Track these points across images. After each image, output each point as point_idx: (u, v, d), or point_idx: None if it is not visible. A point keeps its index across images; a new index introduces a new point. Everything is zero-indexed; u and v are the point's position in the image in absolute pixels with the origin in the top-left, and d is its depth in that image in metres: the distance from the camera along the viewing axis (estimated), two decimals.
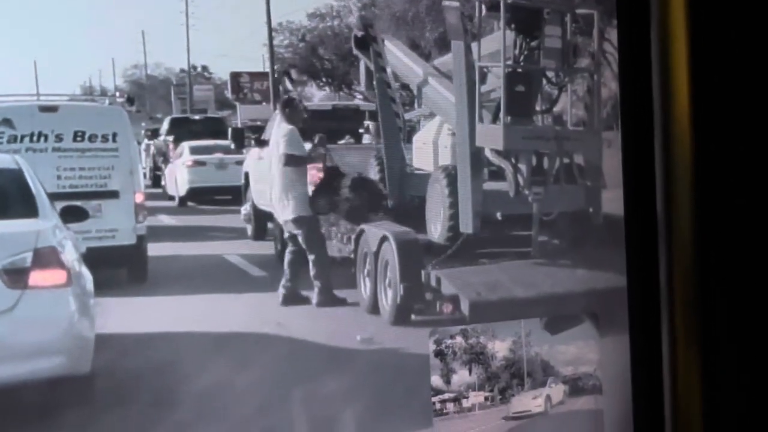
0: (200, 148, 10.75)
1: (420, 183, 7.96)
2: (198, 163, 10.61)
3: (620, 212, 3.59)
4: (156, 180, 11.26)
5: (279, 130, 8.07)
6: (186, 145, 10.78)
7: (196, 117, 11.75)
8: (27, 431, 5.38)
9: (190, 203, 10.61)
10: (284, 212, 7.93)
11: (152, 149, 11.50)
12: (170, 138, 11.20)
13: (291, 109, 8.20)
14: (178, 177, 10.71)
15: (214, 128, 11.27)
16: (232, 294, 7.73)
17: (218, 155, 10.69)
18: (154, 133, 11.60)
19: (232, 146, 10.46)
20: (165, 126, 11.50)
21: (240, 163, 10.41)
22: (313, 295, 7.69)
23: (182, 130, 11.15)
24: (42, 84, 8.46)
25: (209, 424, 5.51)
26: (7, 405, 5.47)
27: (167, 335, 6.83)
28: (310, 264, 7.73)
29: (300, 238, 7.81)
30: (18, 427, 5.41)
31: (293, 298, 7.71)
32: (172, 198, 10.82)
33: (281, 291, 7.72)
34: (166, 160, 11.18)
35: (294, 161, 7.92)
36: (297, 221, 7.87)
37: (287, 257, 7.86)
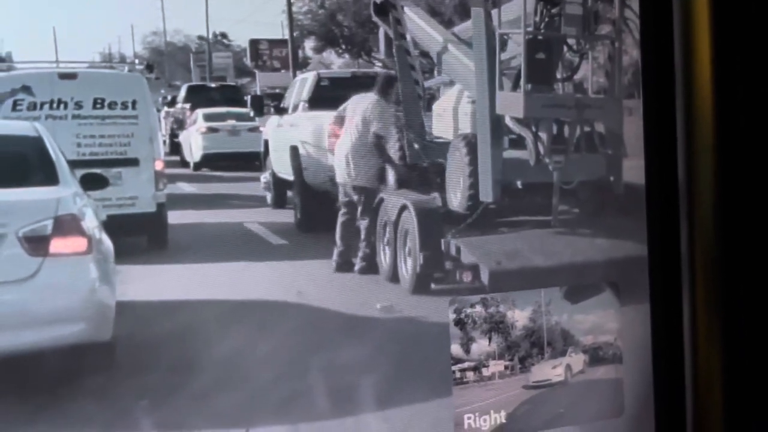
0: (213, 115, 10.83)
1: (440, 151, 7.94)
2: (211, 130, 10.70)
3: (641, 181, 3.57)
4: (174, 147, 11.27)
5: (374, 106, 8.05)
6: (200, 113, 10.86)
7: (213, 85, 11.73)
8: (49, 397, 5.42)
9: (204, 169, 10.67)
10: (351, 180, 7.97)
11: (170, 117, 11.50)
12: (187, 105, 11.22)
13: (389, 86, 8.21)
14: (193, 143, 10.80)
15: (231, 96, 11.29)
16: (252, 262, 7.74)
17: (231, 122, 10.77)
18: (172, 101, 11.59)
19: (252, 114, 10.50)
20: (182, 94, 11.51)
21: (252, 130, 10.48)
22: (356, 261, 7.79)
23: (199, 97, 11.18)
24: (61, 51, 8.43)
25: (229, 391, 5.54)
26: (28, 372, 5.51)
27: (187, 303, 6.85)
28: (362, 231, 7.83)
29: (358, 207, 7.89)
30: (40, 393, 5.45)
31: (348, 265, 7.82)
32: (187, 165, 10.88)
33: (335, 260, 7.81)
34: (182, 128, 11.22)
35: (381, 145, 7.99)
36: (362, 190, 7.93)
37: (340, 227, 7.93)
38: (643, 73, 3.54)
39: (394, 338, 6.35)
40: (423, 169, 8.04)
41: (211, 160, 10.67)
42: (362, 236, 7.85)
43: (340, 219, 7.97)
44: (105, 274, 5.93)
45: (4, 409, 5.26)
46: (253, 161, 10.36)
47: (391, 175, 8.10)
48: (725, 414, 3.32)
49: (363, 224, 7.88)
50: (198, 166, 10.71)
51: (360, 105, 8.11)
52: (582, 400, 3.98)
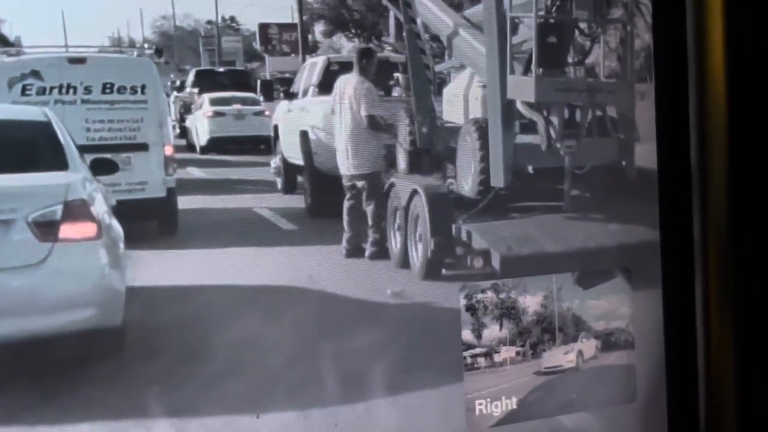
0: (219, 99, 10.91)
1: (450, 136, 7.92)
2: (217, 114, 10.77)
3: (654, 165, 3.55)
4: (182, 132, 11.32)
5: (356, 85, 8.00)
6: (206, 97, 10.93)
7: (221, 69, 11.79)
8: (59, 383, 5.42)
9: (211, 153, 10.73)
10: (353, 167, 7.94)
11: (179, 101, 11.55)
12: (195, 90, 11.26)
13: (368, 60, 8.14)
14: (199, 127, 10.89)
15: (239, 80, 11.34)
16: (262, 247, 7.74)
17: (237, 106, 10.85)
18: (181, 85, 11.64)
19: (262, 98, 10.53)
20: (190, 78, 11.55)
21: (258, 113, 10.54)
22: (367, 247, 7.78)
23: (207, 82, 11.24)
24: (70, 35, 8.44)
25: (240, 376, 5.54)
26: (38, 357, 5.51)
27: (198, 288, 6.85)
28: (369, 217, 7.82)
29: (363, 193, 7.86)
30: (50, 378, 5.45)
31: (358, 251, 7.82)
32: (194, 149, 10.95)
33: (345, 245, 7.81)
34: (190, 112, 11.28)
35: (376, 123, 7.92)
36: (366, 177, 7.90)
37: (347, 213, 7.92)
38: (655, 56, 3.51)
39: (404, 324, 6.34)
40: (433, 154, 8.02)
41: (218, 144, 10.74)
42: (370, 222, 7.84)
43: (346, 205, 7.95)
44: (115, 259, 5.93)
45: (14, 394, 5.26)
46: (259, 145, 10.42)
47: (401, 160, 8.08)
48: (738, 399, 3.31)
49: (369, 209, 7.86)
50: (204, 149, 10.79)
51: (345, 89, 8.06)
52: (594, 387, 3.96)
